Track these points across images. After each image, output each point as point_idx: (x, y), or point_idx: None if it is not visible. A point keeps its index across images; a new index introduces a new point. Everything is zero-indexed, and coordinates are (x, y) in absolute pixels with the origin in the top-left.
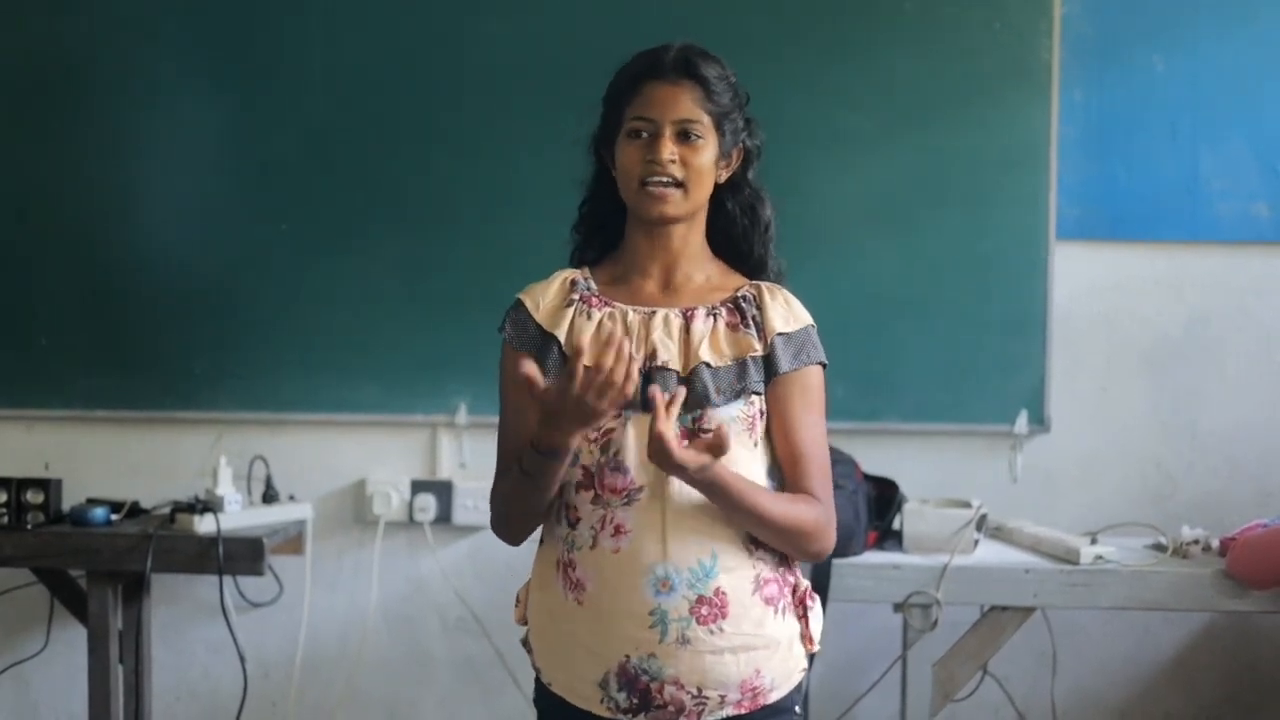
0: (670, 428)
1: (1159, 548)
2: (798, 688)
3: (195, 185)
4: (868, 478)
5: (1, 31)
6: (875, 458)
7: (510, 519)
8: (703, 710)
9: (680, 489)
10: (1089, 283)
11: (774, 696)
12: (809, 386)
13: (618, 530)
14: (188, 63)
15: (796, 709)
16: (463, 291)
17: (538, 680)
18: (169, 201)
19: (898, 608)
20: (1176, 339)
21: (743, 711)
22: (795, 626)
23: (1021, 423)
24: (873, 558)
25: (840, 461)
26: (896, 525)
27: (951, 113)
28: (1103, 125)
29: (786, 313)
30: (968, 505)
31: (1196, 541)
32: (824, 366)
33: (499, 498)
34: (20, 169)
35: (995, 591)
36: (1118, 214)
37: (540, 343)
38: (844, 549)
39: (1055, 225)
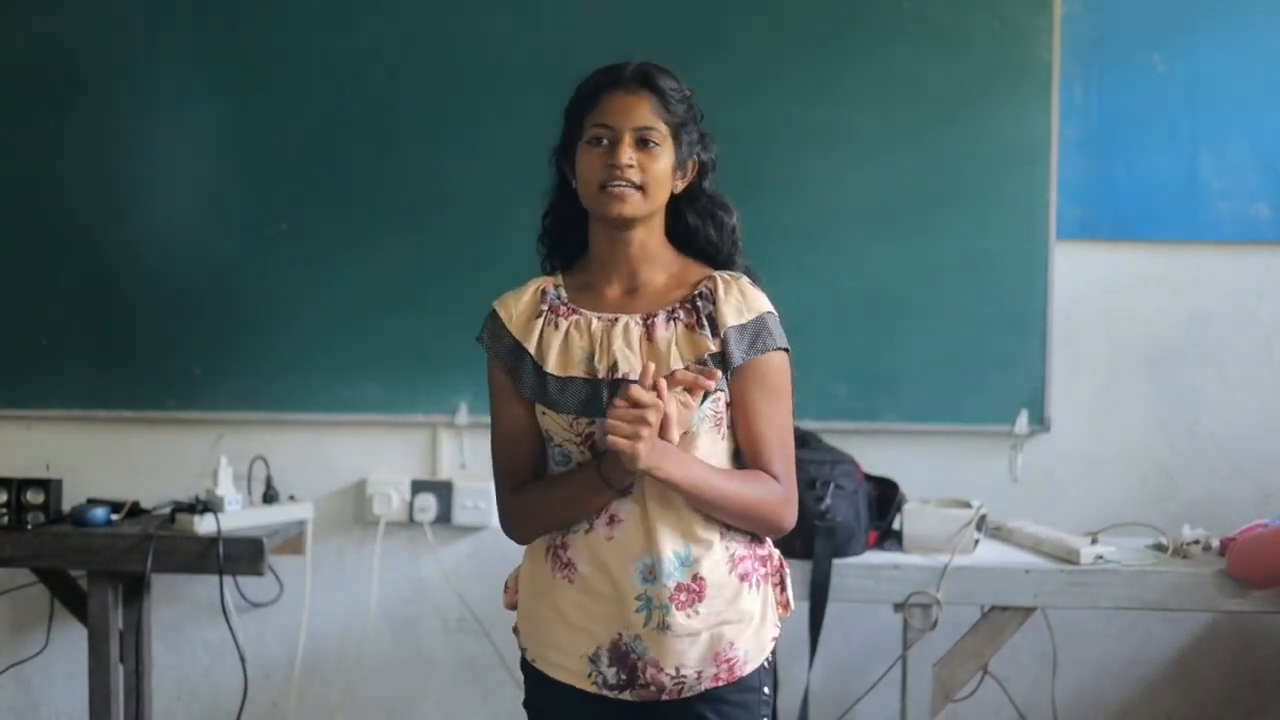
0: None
1: (1159, 548)
2: (766, 667)
3: (195, 185)
4: (868, 478)
5: (1, 31)
6: (875, 458)
7: (539, 528)
8: (681, 688)
9: (657, 484)
10: (1089, 282)
11: (748, 668)
12: (767, 373)
13: (612, 519)
14: (188, 62)
15: (765, 690)
16: (463, 292)
17: (523, 660)
18: (169, 201)
19: (898, 608)
20: (1177, 339)
21: (719, 684)
22: (769, 597)
23: (1021, 423)
24: (873, 558)
25: (840, 461)
26: (897, 525)
27: (951, 112)
28: (1103, 125)
29: (740, 304)
30: (968, 505)
31: (1197, 542)
32: (787, 351)
33: (526, 511)
34: (20, 169)
35: (995, 591)
36: (1118, 214)
37: (515, 354)
38: (844, 549)
39: (1055, 225)
